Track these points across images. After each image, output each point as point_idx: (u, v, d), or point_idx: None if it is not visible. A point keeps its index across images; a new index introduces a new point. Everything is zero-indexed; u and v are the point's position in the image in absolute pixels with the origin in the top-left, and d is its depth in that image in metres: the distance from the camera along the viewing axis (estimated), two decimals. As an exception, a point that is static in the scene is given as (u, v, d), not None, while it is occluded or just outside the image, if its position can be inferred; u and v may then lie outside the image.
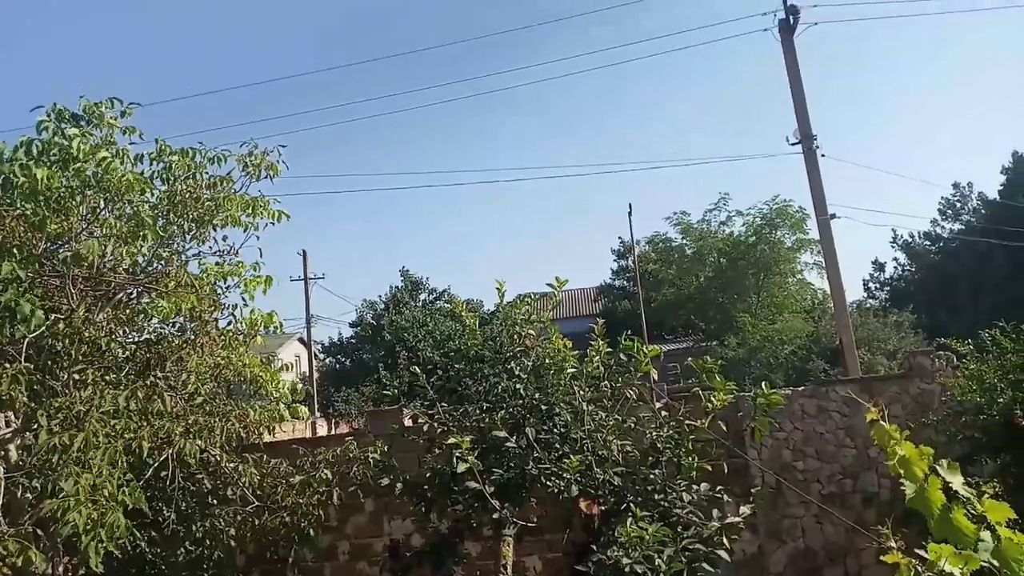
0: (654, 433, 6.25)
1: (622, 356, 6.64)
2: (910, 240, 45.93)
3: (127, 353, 8.11)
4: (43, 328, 6.76)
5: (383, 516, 11.34)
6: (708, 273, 36.60)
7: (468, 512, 6.24)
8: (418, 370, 6.61)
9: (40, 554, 6.17)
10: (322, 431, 30.07)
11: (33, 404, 6.67)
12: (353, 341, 39.12)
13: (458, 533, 6.46)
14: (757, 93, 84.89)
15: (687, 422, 6.21)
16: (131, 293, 8.24)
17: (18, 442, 7.12)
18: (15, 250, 6.93)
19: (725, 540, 5.49)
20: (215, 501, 9.12)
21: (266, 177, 8.51)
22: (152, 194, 8.12)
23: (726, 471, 6.42)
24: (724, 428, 6.49)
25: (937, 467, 2.02)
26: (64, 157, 7.47)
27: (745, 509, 5.72)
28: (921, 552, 2.00)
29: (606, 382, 6.62)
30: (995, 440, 9.07)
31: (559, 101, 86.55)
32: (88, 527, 5.82)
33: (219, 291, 8.53)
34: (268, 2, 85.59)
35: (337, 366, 39.43)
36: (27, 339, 6.64)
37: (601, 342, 6.69)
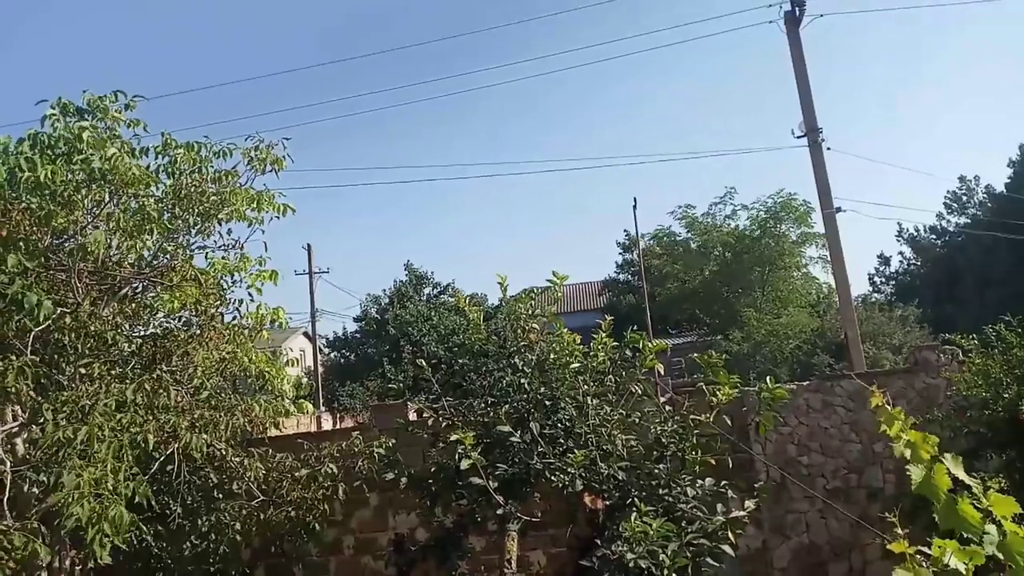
0: (658, 428, 6.26)
1: (627, 351, 6.64)
2: (916, 234, 45.70)
3: (133, 347, 8.13)
4: (50, 321, 6.78)
5: (388, 510, 11.36)
6: (712, 267, 36.47)
7: (472, 507, 6.24)
8: (423, 363, 6.62)
9: (46, 548, 6.20)
10: (327, 425, 30.08)
11: (39, 398, 6.69)
12: (357, 335, 39.11)
13: (462, 528, 6.46)
14: (762, 87, 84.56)
15: (691, 417, 6.22)
16: (137, 287, 8.26)
17: (24, 436, 7.16)
18: (21, 244, 6.96)
19: (729, 535, 5.50)
20: (220, 495, 9.14)
21: (271, 171, 8.52)
22: (158, 188, 8.14)
23: (730, 466, 6.42)
24: (728, 423, 6.50)
25: (942, 459, 2.01)
26: (70, 151, 7.48)
27: (749, 504, 5.72)
28: (925, 549, 1.99)
29: (611, 377, 6.62)
30: (1000, 435, 9.05)
31: (560, 96, 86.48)
32: (92, 521, 5.85)
33: (225, 285, 8.55)
34: (268, 2, 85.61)
35: (342, 360, 39.41)
36: (33, 333, 6.66)
37: (606, 336, 6.69)
